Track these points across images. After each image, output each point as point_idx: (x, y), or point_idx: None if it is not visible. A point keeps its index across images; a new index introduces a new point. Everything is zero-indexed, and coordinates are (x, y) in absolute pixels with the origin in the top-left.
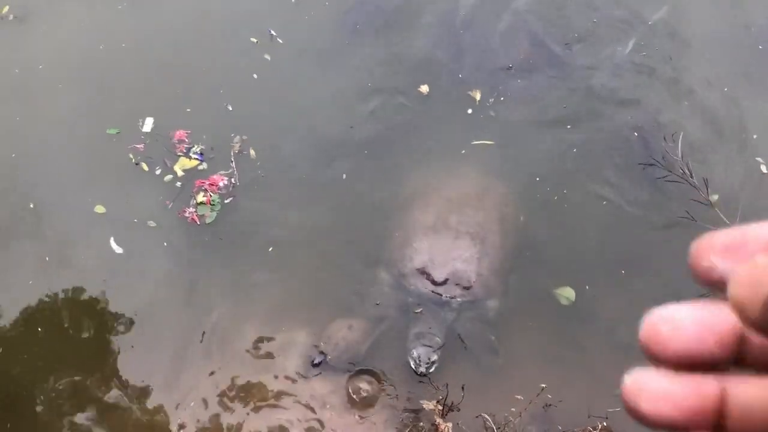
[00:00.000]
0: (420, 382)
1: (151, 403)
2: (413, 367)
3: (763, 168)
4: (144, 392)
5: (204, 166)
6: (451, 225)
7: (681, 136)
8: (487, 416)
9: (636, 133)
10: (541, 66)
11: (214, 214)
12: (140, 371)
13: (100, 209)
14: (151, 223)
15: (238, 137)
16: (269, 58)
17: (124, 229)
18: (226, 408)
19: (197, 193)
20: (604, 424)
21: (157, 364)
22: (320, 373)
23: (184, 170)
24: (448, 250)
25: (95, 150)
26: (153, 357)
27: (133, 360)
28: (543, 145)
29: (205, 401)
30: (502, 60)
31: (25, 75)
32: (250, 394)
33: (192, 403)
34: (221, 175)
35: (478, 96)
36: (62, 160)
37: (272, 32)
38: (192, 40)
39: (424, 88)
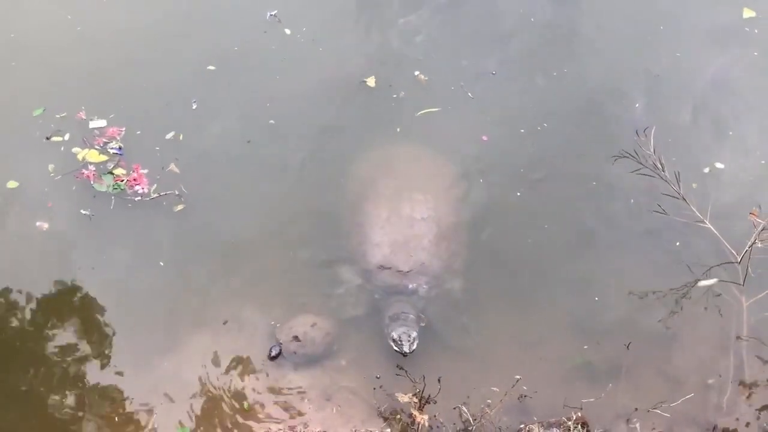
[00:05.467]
0: (398, 372)
1: (115, 397)
2: (396, 349)
3: (719, 164)
4: (110, 388)
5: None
6: (405, 214)
7: (653, 130)
8: (463, 408)
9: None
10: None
11: (105, 189)
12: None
13: (12, 184)
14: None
15: (173, 164)
16: (214, 68)
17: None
18: (200, 403)
19: (119, 166)
20: (579, 414)
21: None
22: (275, 362)
23: (87, 160)
24: (406, 240)
25: (14, 127)
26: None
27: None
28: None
29: (174, 398)
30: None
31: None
32: (225, 387)
33: (161, 402)
34: (147, 182)
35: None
36: None
37: (274, 14)
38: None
39: (371, 81)
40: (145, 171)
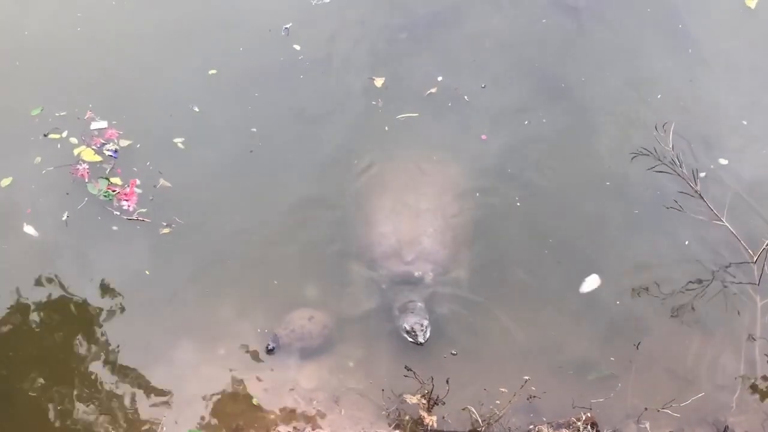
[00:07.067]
0: (406, 374)
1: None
2: (411, 340)
3: (722, 161)
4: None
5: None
6: (410, 204)
7: (672, 126)
8: (472, 409)
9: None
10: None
11: (96, 193)
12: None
13: (6, 181)
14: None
15: (162, 179)
16: (215, 71)
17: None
18: (204, 406)
19: (116, 174)
20: (588, 414)
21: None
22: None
23: (81, 157)
24: (412, 228)
25: (13, 125)
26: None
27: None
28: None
29: (184, 400)
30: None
31: (8, 39)
32: (232, 391)
33: (172, 404)
34: (136, 201)
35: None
36: None
37: (288, 27)
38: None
39: (379, 81)
40: (140, 191)
